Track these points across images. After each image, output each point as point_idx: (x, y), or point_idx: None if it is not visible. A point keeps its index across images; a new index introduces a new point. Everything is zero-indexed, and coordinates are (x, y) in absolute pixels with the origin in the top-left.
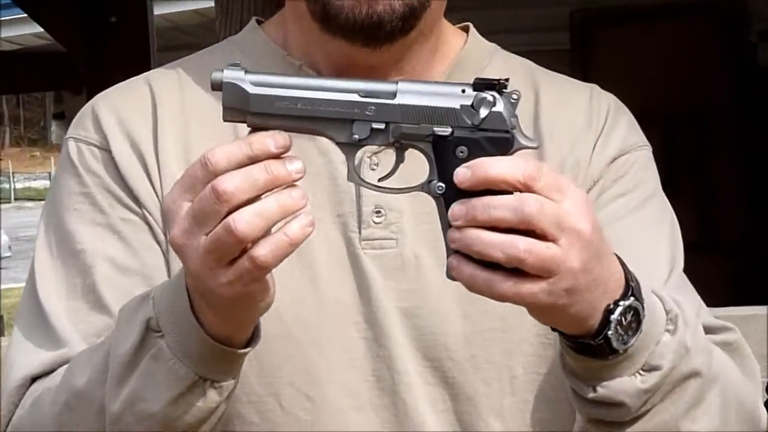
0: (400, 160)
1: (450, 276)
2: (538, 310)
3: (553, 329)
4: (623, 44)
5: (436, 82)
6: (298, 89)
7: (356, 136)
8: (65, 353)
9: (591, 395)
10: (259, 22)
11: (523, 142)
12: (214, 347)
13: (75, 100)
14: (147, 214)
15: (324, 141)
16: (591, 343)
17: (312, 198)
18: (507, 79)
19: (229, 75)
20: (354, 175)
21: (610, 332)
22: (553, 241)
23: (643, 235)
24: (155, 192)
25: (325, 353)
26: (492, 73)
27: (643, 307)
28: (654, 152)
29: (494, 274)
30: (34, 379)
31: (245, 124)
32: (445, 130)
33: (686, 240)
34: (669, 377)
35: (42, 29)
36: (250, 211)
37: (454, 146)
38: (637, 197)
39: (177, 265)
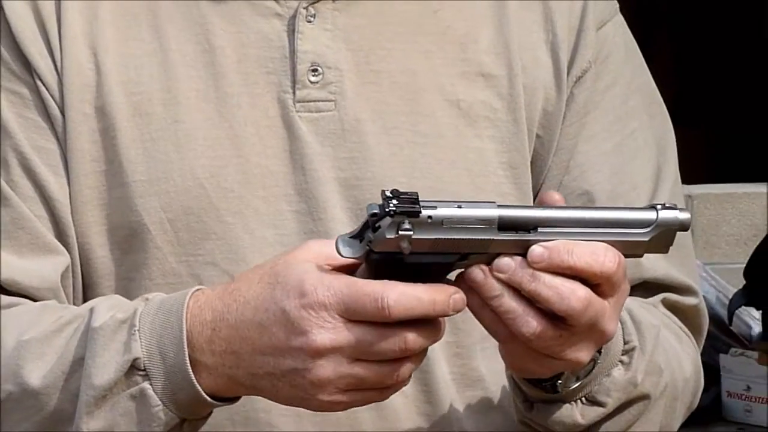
0: None
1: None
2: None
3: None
4: None
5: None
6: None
7: None
8: None
9: (526, 414)
10: None
11: None
12: (209, 402)
13: None
14: (40, 85)
15: None
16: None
17: (237, 51)
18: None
19: None
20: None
21: (559, 381)
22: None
23: (628, 146)
24: (53, 60)
25: (251, 228)
26: None
27: (599, 352)
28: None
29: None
30: None
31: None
32: None
33: None
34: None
35: None
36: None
37: None
38: (624, 88)
39: (75, 148)
